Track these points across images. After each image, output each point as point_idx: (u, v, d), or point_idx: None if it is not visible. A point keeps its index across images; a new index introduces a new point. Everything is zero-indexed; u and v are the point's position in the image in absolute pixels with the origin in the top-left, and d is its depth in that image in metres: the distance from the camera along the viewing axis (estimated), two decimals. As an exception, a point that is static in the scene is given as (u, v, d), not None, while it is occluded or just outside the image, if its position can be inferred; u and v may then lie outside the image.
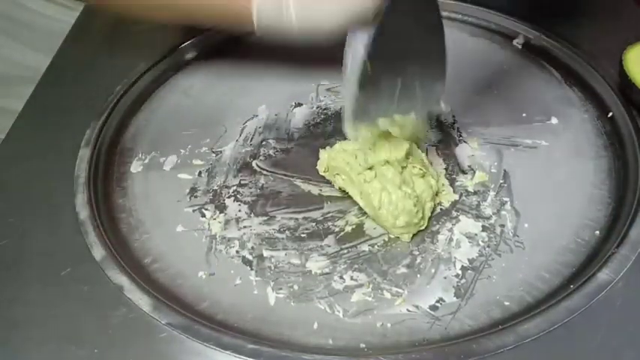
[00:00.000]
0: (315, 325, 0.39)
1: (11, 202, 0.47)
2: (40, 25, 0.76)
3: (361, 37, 0.39)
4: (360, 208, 0.46)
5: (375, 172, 0.45)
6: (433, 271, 0.42)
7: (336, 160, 0.47)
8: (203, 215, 0.47)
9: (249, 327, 0.39)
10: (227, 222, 0.46)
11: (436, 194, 0.46)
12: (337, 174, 0.47)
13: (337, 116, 0.55)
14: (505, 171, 0.49)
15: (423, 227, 0.44)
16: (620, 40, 0.52)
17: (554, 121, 0.52)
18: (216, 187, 0.49)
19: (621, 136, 0.49)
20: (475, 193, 0.47)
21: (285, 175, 0.50)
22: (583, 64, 0.55)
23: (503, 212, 0.46)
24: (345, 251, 0.44)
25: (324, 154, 0.48)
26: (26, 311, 0.40)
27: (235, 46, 0.62)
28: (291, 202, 0.48)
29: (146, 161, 0.52)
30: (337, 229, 0.45)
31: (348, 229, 0.45)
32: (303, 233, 0.45)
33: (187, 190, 0.49)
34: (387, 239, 0.44)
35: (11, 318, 0.40)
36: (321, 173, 0.48)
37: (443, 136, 0.52)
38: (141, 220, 0.47)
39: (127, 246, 0.45)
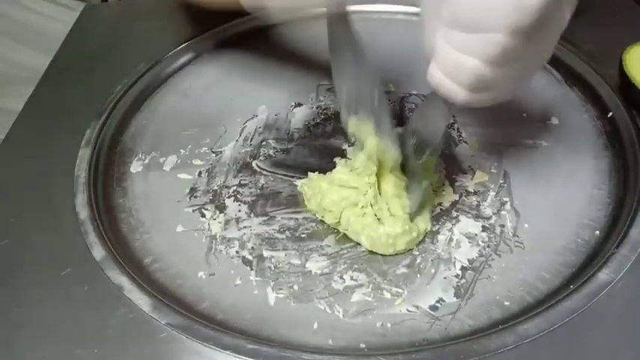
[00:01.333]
0: (315, 325, 0.39)
1: (11, 202, 0.47)
2: (40, 25, 0.76)
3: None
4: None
5: (346, 218, 0.44)
6: (433, 271, 0.42)
7: (311, 203, 0.46)
8: (203, 215, 0.47)
9: (249, 327, 0.39)
10: (227, 222, 0.46)
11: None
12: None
13: (337, 116, 0.55)
14: (505, 171, 0.49)
15: (425, 232, 0.44)
16: (620, 40, 0.52)
17: (554, 121, 0.52)
18: (216, 187, 0.49)
19: (621, 136, 0.49)
20: (475, 193, 0.47)
21: (285, 175, 0.50)
22: (583, 64, 0.55)
23: (503, 212, 0.46)
24: (345, 251, 0.44)
25: (302, 187, 0.48)
26: (26, 311, 0.40)
27: (235, 47, 0.62)
28: (291, 202, 0.48)
29: (146, 161, 0.52)
30: (337, 229, 0.45)
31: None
32: (303, 233, 0.45)
33: (187, 190, 0.49)
34: (387, 239, 0.44)
35: (11, 318, 0.40)
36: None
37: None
38: (141, 220, 0.47)
39: (127, 246, 0.44)
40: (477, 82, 0.33)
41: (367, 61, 0.42)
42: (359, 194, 0.44)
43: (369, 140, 0.43)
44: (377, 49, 0.61)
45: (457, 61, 0.33)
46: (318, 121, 0.55)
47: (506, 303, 0.39)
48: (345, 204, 0.44)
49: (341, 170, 0.46)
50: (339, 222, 0.44)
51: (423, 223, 0.44)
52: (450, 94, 0.35)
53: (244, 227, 0.46)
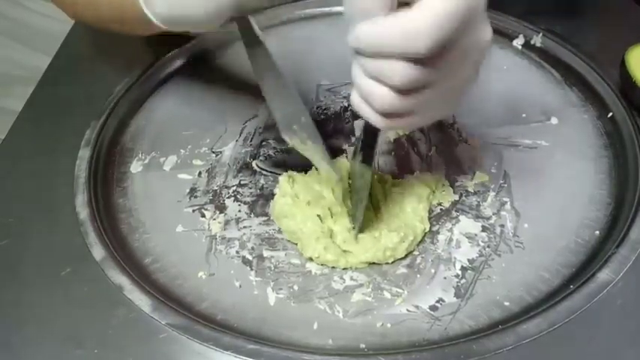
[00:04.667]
0: (315, 325, 0.39)
1: (11, 202, 0.47)
2: (40, 25, 0.76)
3: None
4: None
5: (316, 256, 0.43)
6: (433, 271, 0.42)
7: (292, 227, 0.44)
8: (203, 215, 0.47)
9: (250, 327, 0.39)
10: (227, 222, 0.46)
11: (433, 192, 0.46)
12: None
13: (337, 116, 0.55)
14: (505, 171, 0.49)
15: (424, 232, 0.44)
16: (620, 40, 0.52)
17: (554, 121, 0.52)
18: (216, 188, 0.49)
19: (621, 136, 0.49)
20: (475, 193, 0.47)
21: (285, 175, 0.50)
22: (583, 64, 0.55)
23: (503, 212, 0.45)
24: (345, 251, 0.44)
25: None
26: (26, 311, 0.40)
27: (235, 47, 0.62)
28: (291, 202, 0.48)
29: (146, 161, 0.52)
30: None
31: (348, 229, 0.45)
32: (303, 233, 0.45)
33: (187, 190, 0.49)
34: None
35: (11, 318, 0.40)
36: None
37: (443, 136, 0.52)
38: (141, 220, 0.47)
39: (127, 246, 0.45)
40: (388, 109, 0.32)
41: (289, 86, 0.42)
42: (309, 240, 0.43)
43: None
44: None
45: (368, 87, 0.32)
46: (318, 121, 0.55)
47: (506, 303, 0.39)
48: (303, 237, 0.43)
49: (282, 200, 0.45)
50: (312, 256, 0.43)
51: (421, 223, 0.44)
52: (367, 118, 0.34)
53: (244, 227, 0.46)
